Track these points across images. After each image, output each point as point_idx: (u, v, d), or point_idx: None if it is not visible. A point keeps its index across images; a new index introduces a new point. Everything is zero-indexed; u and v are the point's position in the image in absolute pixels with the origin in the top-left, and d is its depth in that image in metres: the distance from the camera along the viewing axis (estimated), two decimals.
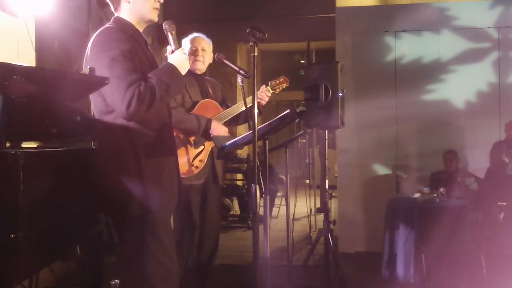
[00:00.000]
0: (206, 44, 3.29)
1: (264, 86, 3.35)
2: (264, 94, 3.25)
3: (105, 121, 2.12)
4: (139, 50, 2.15)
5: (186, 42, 3.33)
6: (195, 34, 3.35)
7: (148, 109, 2.05)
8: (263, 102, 3.26)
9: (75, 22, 5.29)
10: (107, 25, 2.20)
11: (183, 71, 2.22)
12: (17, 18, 4.16)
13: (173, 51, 2.24)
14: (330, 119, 3.44)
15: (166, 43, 2.29)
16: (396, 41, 5.22)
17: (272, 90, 3.34)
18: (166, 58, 2.30)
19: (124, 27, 2.18)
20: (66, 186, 2.12)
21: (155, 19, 2.24)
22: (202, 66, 3.29)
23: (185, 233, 3.15)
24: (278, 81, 3.38)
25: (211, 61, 3.32)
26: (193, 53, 3.26)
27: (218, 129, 3.15)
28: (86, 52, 2.18)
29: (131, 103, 1.99)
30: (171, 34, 2.25)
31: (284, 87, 3.41)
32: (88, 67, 2.03)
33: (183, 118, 3.04)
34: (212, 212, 3.29)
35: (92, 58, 2.10)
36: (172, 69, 2.18)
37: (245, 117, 3.23)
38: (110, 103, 2.07)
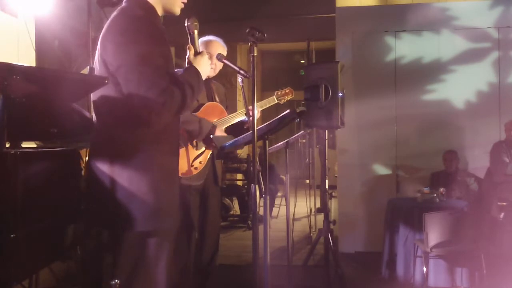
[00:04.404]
0: (222, 51, 3.18)
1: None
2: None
3: (109, 117, 1.95)
4: (165, 42, 1.97)
5: (200, 44, 3.22)
6: (211, 38, 3.25)
7: (175, 116, 1.96)
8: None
9: (75, 22, 5.29)
10: (131, 8, 1.97)
11: (204, 77, 2.09)
12: (17, 18, 4.16)
13: (195, 53, 2.07)
14: (330, 119, 3.44)
15: None
16: (396, 41, 5.22)
17: (277, 100, 3.35)
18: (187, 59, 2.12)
19: (149, 13, 1.99)
20: (65, 185, 2.12)
21: (178, 13, 2.09)
22: (212, 74, 3.25)
23: (184, 233, 3.14)
24: (284, 91, 3.39)
25: (221, 67, 3.24)
26: None
27: (219, 136, 3.13)
28: (103, 34, 1.96)
29: (162, 111, 1.84)
30: (193, 33, 2.07)
31: (289, 98, 3.42)
32: (88, 67, 1.97)
33: (187, 119, 3.02)
34: (212, 213, 3.29)
35: (114, 47, 1.89)
36: (197, 74, 2.02)
37: (241, 128, 3.20)
38: (134, 107, 1.86)
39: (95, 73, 2.02)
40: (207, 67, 2.09)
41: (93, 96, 2.02)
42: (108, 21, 1.99)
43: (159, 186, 1.96)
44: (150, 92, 1.82)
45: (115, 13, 2.01)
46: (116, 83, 1.90)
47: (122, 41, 1.88)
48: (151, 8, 2.02)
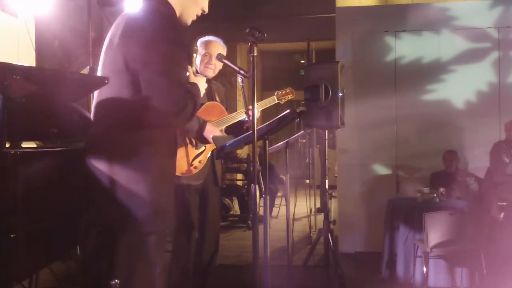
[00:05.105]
0: (221, 51, 3.16)
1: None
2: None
3: (114, 117, 1.96)
4: (186, 47, 2.08)
5: (200, 44, 3.22)
6: (211, 38, 3.24)
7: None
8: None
9: (75, 22, 5.29)
10: (158, 8, 2.00)
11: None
12: (17, 18, 4.16)
13: (194, 73, 2.21)
14: (330, 119, 3.44)
15: None
16: (396, 41, 5.22)
17: (277, 100, 3.36)
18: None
19: (173, 14, 2.05)
20: (65, 185, 2.12)
21: (189, 23, 2.17)
22: (212, 74, 3.24)
23: (184, 233, 3.14)
24: (284, 91, 3.40)
25: (221, 68, 3.23)
26: (206, 60, 3.17)
27: (213, 132, 3.12)
28: (125, 30, 1.95)
29: (175, 119, 1.96)
30: (192, 56, 2.23)
31: (289, 98, 3.42)
32: (88, 67, 1.97)
33: None
34: (212, 213, 3.29)
35: (140, 46, 1.89)
36: (199, 91, 2.16)
37: (239, 129, 3.22)
38: (146, 108, 1.89)
39: (105, 69, 2.01)
40: (203, 89, 2.23)
41: (100, 95, 2.01)
42: (132, 18, 1.99)
43: (159, 187, 1.97)
44: (168, 99, 1.86)
45: (139, 11, 2.01)
46: (131, 82, 1.90)
47: (149, 40, 1.89)
48: (173, 10, 2.06)
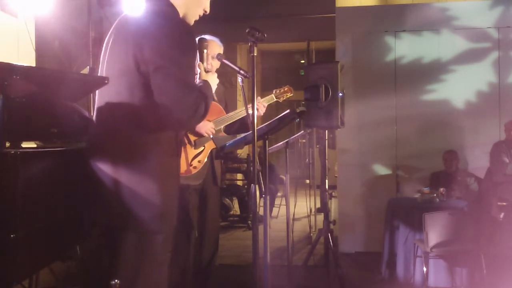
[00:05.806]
0: (218, 50, 3.16)
1: (259, 97, 3.33)
2: (260, 104, 3.25)
3: (122, 119, 1.94)
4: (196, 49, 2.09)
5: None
6: (207, 37, 3.15)
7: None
8: (261, 113, 3.26)
9: (75, 22, 5.29)
10: (168, 11, 2.01)
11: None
12: (17, 18, 4.16)
13: (206, 70, 2.21)
14: (330, 119, 3.44)
15: None
16: (396, 41, 5.22)
17: (276, 98, 3.36)
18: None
19: (179, 17, 2.07)
20: (65, 185, 2.12)
21: (192, 23, 2.16)
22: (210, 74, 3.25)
23: (183, 233, 3.14)
24: (283, 89, 3.40)
25: (218, 67, 3.21)
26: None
27: (204, 126, 3.11)
28: (136, 32, 1.93)
29: (186, 125, 2.02)
30: (203, 52, 2.23)
31: (288, 96, 3.41)
32: (88, 67, 1.97)
33: None
34: (212, 213, 3.28)
35: (155, 48, 1.87)
36: (211, 89, 2.15)
37: (239, 127, 3.22)
38: (156, 112, 1.88)
39: (110, 69, 1.99)
40: (215, 85, 2.23)
41: (104, 95, 2.00)
42: (141, 19, 1.98)
43: (165, 187, 1.97)
44: (181, 103, 1.86)
45: (145, 12, 2.00)
46: (143, 83, 1.89)
47: (161, 44, 1.88)
48: (177, 12, 2.06)
